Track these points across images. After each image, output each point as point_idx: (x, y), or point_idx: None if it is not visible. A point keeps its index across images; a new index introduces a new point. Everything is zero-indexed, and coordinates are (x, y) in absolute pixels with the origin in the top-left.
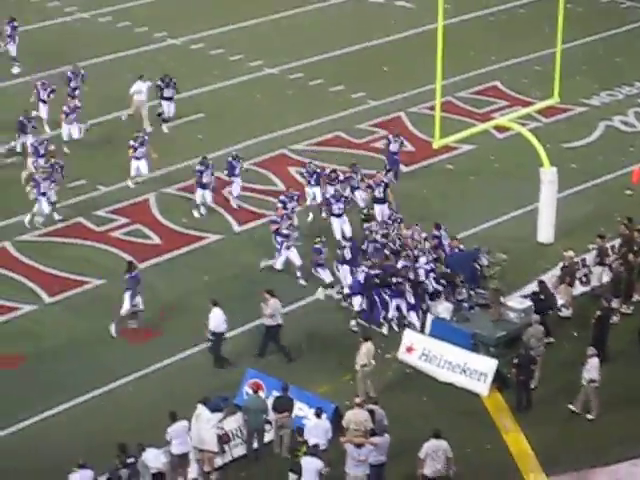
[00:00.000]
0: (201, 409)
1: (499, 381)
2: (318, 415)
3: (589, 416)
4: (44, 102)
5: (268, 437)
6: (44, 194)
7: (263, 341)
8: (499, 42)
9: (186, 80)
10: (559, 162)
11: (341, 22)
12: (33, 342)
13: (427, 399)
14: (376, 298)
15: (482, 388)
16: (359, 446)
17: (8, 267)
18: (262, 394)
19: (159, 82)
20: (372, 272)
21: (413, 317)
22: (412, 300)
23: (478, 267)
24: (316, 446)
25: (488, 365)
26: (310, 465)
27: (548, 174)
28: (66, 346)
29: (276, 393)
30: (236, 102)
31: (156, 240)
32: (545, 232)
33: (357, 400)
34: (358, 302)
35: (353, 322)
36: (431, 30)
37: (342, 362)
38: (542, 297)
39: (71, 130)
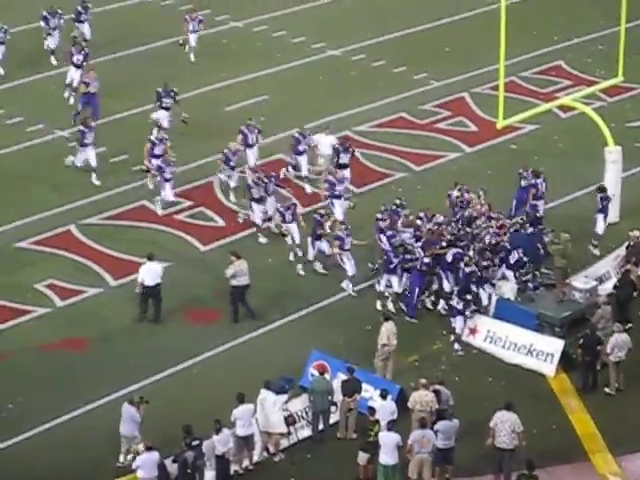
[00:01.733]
0: (265, 393)
1: (565, 362)
2: (383, 396)
3: (607, 390)
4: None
5: (333, 419)
6: (168, 180)
7: (231, 303)
8: (562, 21)
9: (249, 62)
10: (623, 141)
11: (403, 3)
12: (99, 325)
13: (493, 380)
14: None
15: (549, 369)
16: (423, 427)
17: (73, 250)
18: (327, 376)
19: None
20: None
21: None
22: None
23: (541, 247)
24: (393, 421)
25: (554, 346)
26: (389, 439)
27: (612, 153)
28: (131, 329)
29: (341, 375)
30: (299, 84)
31: (220, 222)
32: (610, 211)
33: (422, 381)
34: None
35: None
36: (494, 10)
37: (405, 343)
38: (620, 286)
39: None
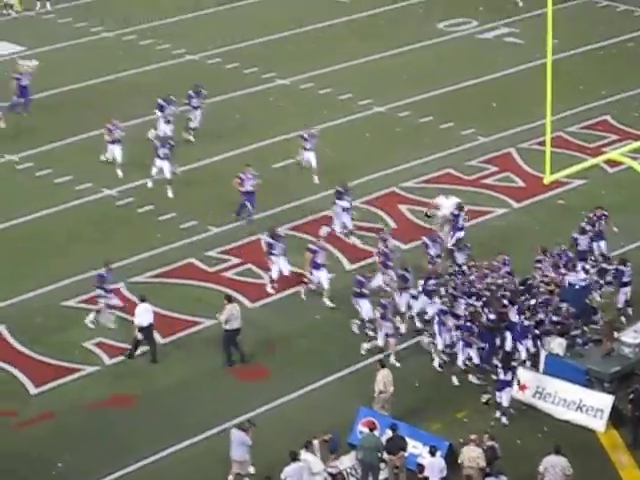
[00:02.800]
0: (307, 455)
1: (615, 417)
2: (432, 453)
3: None
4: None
5: (382, 476)
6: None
7: (224, 347)
8: (608, 76)
9: (296, 119)
10: None
11: (449, 59)
12: (146, 382)
13: (541, 436)
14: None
15: (598, 424)
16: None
17: (121, 308)
18: (376, 432)
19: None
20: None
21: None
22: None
23: (590, 302)
24: (443, 479)
25: (604, 401)
26: None
27: None
28: (178, 387)
29: (389, 432)
30: (345, 141)
31: (267, 279)
32: None
33: (472, 436)
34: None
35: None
36: (540, 65)
37: (454, 399)
38: None
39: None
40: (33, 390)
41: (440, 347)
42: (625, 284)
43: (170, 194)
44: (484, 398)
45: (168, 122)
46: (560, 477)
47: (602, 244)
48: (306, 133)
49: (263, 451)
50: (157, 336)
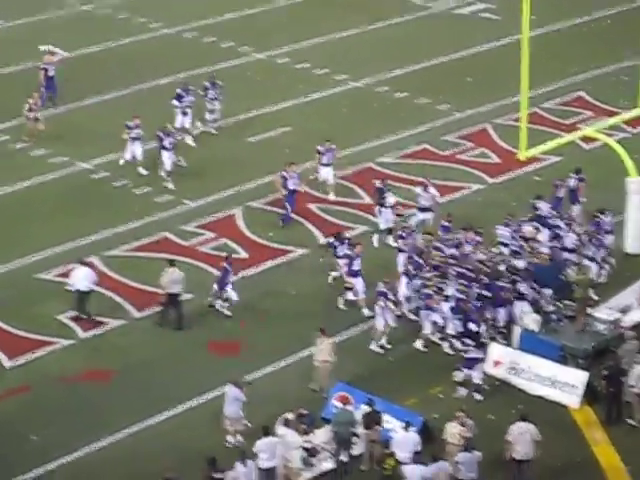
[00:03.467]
0: (284, 430)
1: (589, 394)
2: (406, 428)
3: (631, 422)
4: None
5: (357, 450)
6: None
7: (161, 310)
8: (585, 52)
9: (272, 94)
10: None
11: (426, 35)
12: (123, 357)
13: (515, 412)
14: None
15: (573, 401)
16: (440, 460)
17: (97, 282)
18: (350, 407)
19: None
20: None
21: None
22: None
23: (565, 278)
24: (418, 453)
25: (579, 377)
26: (413, 472)
27: (635, 184)
28: (155, 360)
29: (364, 406)
30: (322, 116)
31: (243, 254)
32: (632, 242)
33: (457, 413)
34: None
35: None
36: (516, 41)
37: (431, 374)
38: None
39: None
40: (7, 363)
41: (428, 331)
42: (608, 232)
43: (171, 186)
44: (459, 377)
45: (185, 113)
46: (529, 443)
47: (575, 208)
48: (322, 147)
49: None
50: (132, 310)
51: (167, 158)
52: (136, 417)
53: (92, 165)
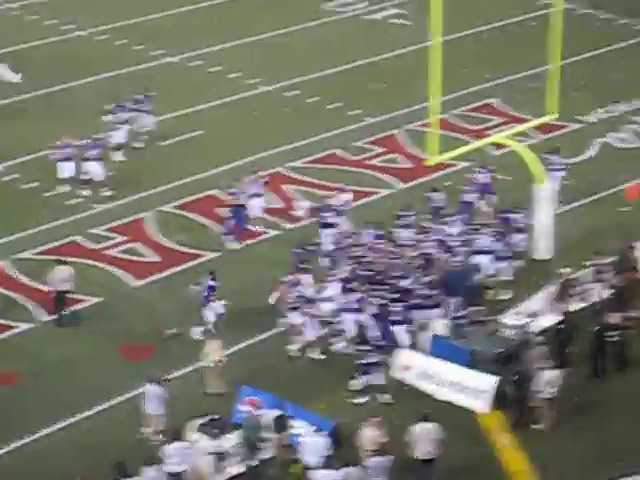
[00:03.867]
0: (196, 436)
1: (499, 398)
2: (316, 433)
3: (539, 426)
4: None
5: (266, 455)
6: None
7: (55, 309)
8: (494, 59)
9: (184, 98)
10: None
11: (337, 40)
12: (30, 360)
13: (443, 437)
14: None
15: (482, 406)
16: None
17: (4, 285)
18: (259, 411)
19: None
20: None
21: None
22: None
23: (475, 284)
24: (329, 458)
25: (487, 382)
26: (322, 477)
27: (544, 191)
28: (63, 364)
29: (273, 410)
30: (233, 119)
31: (153, 258)
32: (541, 249)
33: (373, 419)
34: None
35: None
36: (427, 47)
37: (341, 379)
38: (563, 329)
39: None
40: None
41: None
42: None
43: (85, 193)
44: (356, 386)
45: (118, 129)
46: (432, 442)
47: (486, 203)
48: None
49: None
50: (41, 313)
51: (93, 168)
52: (43, 421)
53: (1, 167)
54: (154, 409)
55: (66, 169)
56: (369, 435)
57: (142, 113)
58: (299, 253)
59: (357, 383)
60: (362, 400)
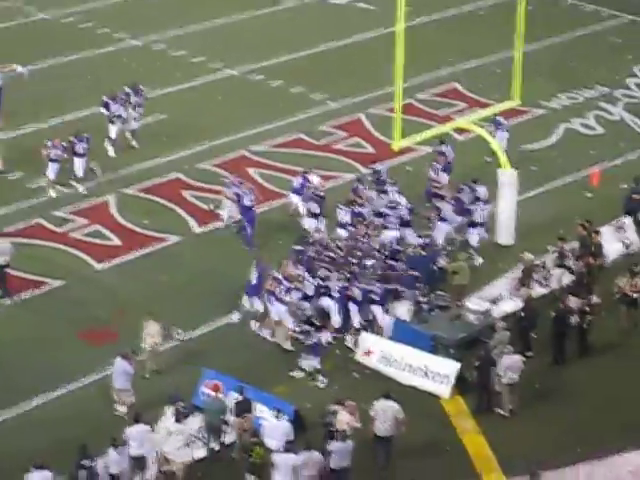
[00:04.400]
0: (170, 422)
1: (460, 383)
2: (277, 417)
3: (500, 411)
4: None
5: (228, 439)
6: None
7: None
8: (459, 44)
9: (148, 81)
10: (519, 164)
11: (301, 24)
12: None
13: (403, 417)
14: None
15: (444, 391)
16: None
17: None
18: (220, 395)
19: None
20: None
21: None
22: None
23: (437, 268)
24: (290, 442)
25: (449, 367)
26: (284, 460)
27: (507, 176)
28: (24, 347)
29: (234, 394)
30: (197, 103)
31: (116, 241)
32: (504, 234)
33: (346, 402)
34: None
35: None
36: (391, 32)
37: (298, 362)
38: (524, 315)
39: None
40: None
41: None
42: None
43: (82, 189)
44: (309, 366)
45: (112, 122)
46: (390, 420)
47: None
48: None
49: (109, 414)
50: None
51: (79, 164)
52: (2, 404)
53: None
54: (121, 384)
55: (53, 169)
56: (344, 419)
57: (134, 107)
58: (298, 251)
59: (307, 363)
60: (322, 383)
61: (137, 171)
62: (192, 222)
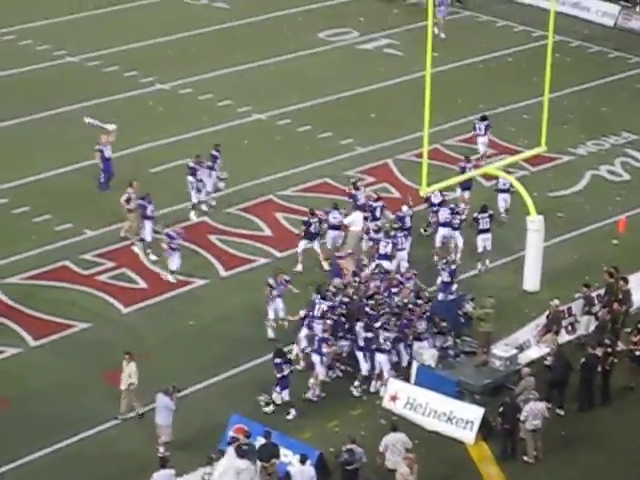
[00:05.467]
0: (233, 457)
1: (485, 429)
2: (302, 461)
3: (525, 458)
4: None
5: None
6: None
7: None
8: (487, 90)
9: (174, 125)
10: (545, 210)
11: (330, 69)
12: (17, 385)
13: (412, 447)
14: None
15: (468, 436)
16: None
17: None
18: (247, 439)
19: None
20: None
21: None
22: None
23: (462, 314)
24: None
25: (474, 413)
26: None
27: (534, 222)
28: (50, 390)
29: (261, 439)
30: (224, 147)
31: (142, 284)
32: (531, 280)
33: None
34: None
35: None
36: (419, 78)
37: (326, 409)
38: (553, 359)
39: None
40: None
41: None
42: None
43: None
44: (276, 399)
45: (199, 190)
46: (401, 452)
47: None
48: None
49: (135, 457)
50: (29, 339)
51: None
52: (28, 448)
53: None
54: (162, 419)
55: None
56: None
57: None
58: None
59: (276, 397)
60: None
61: (162, 214)
62: (218, 266)
